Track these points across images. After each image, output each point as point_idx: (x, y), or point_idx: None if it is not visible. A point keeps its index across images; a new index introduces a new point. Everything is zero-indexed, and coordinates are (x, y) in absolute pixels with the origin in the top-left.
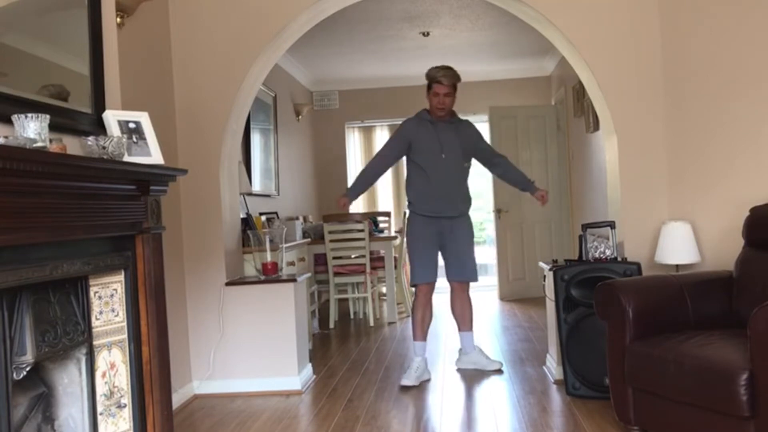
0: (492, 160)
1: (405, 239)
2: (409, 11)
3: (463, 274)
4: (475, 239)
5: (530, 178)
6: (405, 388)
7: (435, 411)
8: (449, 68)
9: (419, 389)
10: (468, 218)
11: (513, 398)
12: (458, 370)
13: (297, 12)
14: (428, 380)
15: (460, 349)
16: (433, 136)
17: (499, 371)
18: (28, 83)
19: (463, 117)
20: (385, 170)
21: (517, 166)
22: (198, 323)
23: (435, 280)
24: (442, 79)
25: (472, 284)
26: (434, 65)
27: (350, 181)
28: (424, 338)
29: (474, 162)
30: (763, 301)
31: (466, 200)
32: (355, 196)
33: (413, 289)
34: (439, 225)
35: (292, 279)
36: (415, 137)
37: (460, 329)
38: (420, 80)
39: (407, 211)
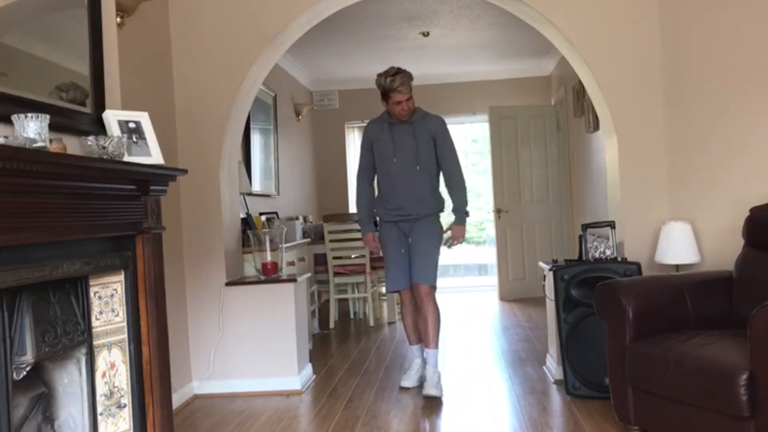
0: (448, 179)
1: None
2: (409, 11)
3: (416, 276)
4: (440, 242)
5: (462, 211)
6: (405, 389)
7: (435, 411)
8: (400, 72)
9: (419, 389)
10: (433, 219)
11: (513, 398)
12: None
13: (297, 12)
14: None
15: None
16: (388, 140)
17: (435, 398)
18: (28, 83)
19: (463, 117)
20: (372, 184)
21: (518, 168)
22: (198, 323)
23: (408, 286)
24: (401, 89)
25: (469, 284)
26: (380, 72)
27: (350, 182)
28: (419, 340)
29: (473, 162)
30: (763, 301)
31: (429, 202)
32: (371, 224)
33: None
34: (403, 227)
35: (292, 279)
36: (374, 140)
37: (423, 345)
38: (420, 81)
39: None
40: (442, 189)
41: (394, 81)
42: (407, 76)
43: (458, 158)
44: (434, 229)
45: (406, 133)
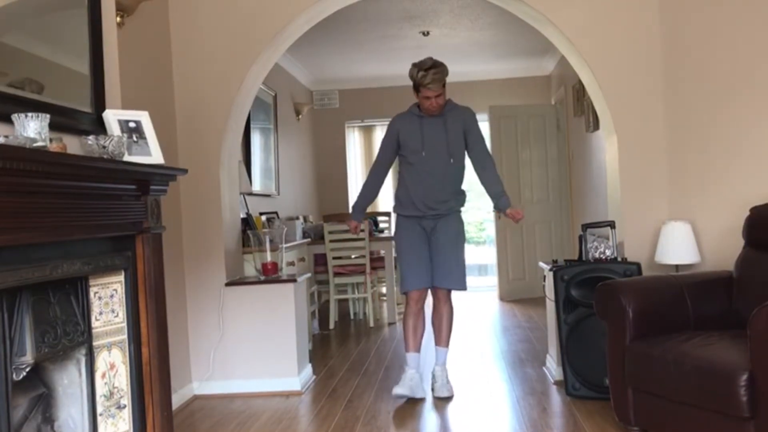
0: (480, 162)
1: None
2: (408, 11)
3: (446, 281)
4: (465, 240)
5: (506, 198)
6: (398, 396)
7: (435, 411)
8: (434, 67)
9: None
10: (456, 216)
11: (513, 399)
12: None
13: (297, 12)
14: (422, 399)
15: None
16: (417, 132)
17: (446, 398)
18: (28, 83)
19: None
20: (383, 176)
21: (518, 168)
22: (198, 323)
23: (426, 287)
24: (431, 86)
25: (469, 285)
26: (416, 61)
27: (350, 182)
28: (417, 349)
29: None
30: (763, 301)
31: (456, 196)
32: (362, 214)
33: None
34: (424, 224)
35: (292, 279)
36: (401, 131)
37: (435, 343)
38: None
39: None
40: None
41: (425, 77)
42: (440, 72)
43: (487, 148)
44: (460, 228)
45: (437, 126)
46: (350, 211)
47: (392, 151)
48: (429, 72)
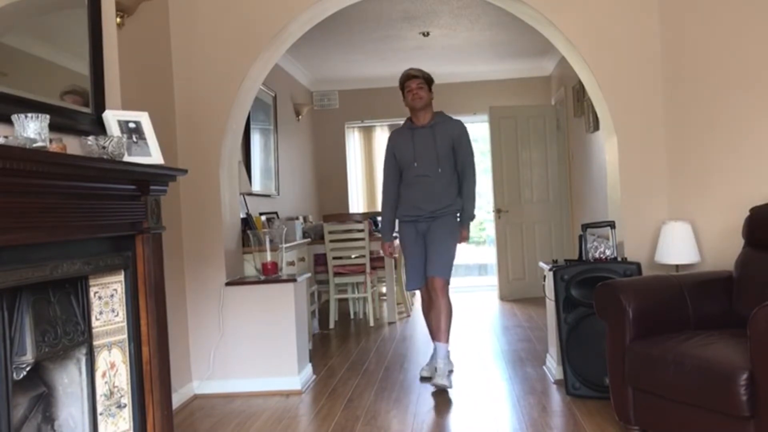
0: (461, 175)
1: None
2: (409, 11)
3: (431, 269)
4: (457, 239)
5: (468, 215)
6: (437, 391)
7: (435, 411)
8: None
9: (420, 389)
10: (451, 217)
11: (513, 398)
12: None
13: (297, 12)
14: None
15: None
16: (409, 145)
17: (444, 389)
18: (28, 83)
19: (463, 117)
20: (396, 192)
21: (518, 168)
22: (198, 323)
23: (423, 285)
24: (413, 71)
25: (469, 284)
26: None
27: (350, 182)
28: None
29: (475, 162)
30: (763, 301)
31: (449, 202)
32: (392, 235)
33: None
34: (421, 226)
35: (292, 279)
36: (396, 146)
37: (433, 338)
38: None
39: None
40: None
41: (405, 71)
42: (422, 71)
43: (474, 165)
44: (452, 226)
45: (427, 137)
46: (380, 235)
47: (395, 166)
48: (412, 68)
